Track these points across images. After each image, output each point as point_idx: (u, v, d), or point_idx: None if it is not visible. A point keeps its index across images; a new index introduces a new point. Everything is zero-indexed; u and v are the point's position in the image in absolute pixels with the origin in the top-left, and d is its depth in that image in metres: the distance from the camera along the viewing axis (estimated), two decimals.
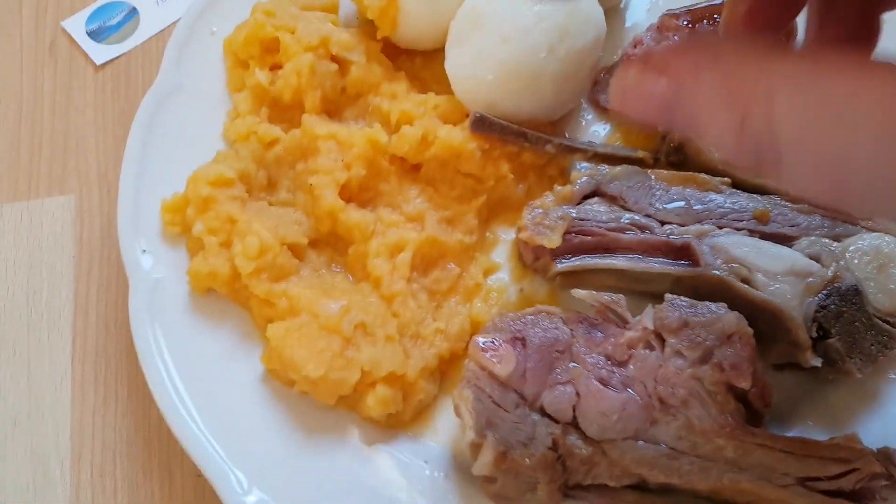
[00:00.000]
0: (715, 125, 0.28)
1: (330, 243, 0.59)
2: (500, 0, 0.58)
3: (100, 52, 0.74)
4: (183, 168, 0.60)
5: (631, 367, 0.53)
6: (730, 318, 0.52)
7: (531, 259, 0.59)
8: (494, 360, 0.52)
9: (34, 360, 0.63)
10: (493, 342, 0.53)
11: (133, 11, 0.75)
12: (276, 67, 0.62)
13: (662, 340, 0.52)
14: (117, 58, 0.74)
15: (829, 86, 0.25)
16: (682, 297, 0.53)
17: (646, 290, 0.58)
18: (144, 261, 0.57)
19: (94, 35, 0.74)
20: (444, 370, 0.57)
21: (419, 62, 0.67)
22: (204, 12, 0.65)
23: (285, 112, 0.62)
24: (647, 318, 0.53)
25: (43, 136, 0.71)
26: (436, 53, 0.66)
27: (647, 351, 0.52)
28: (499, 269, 0.61)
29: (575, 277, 0.58)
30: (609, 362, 0.53)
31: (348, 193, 0.59)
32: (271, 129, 0.59)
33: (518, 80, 0.58)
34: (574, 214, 0.57)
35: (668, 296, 0.53)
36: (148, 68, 0.73)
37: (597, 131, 0.64)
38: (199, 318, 0.57)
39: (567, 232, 0.56)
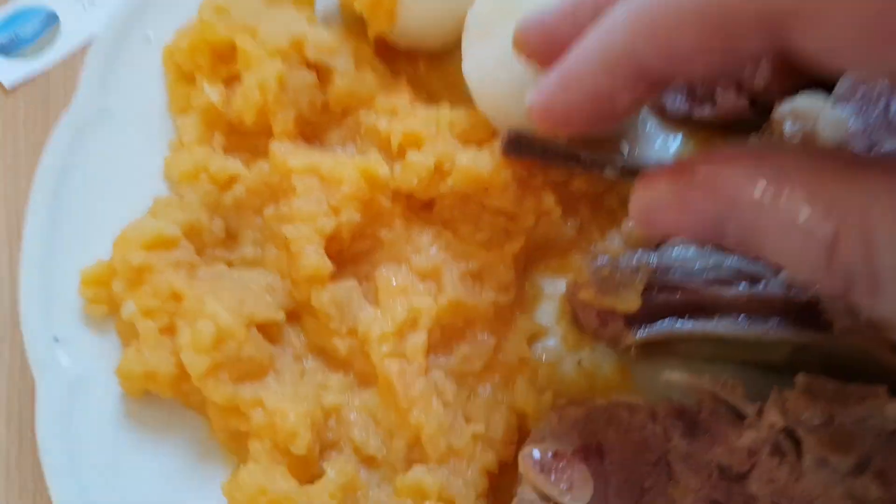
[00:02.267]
0: (790, 249, 0.26)
1: (315, 314, 0.43)
2: None
3: (10, 70, 0.58)
4: (109, 223, 0.44)
5: (754, 481, 0.37)
6: (893, 410, 0.36)
7: (595, 324, 0.43)
8: (561, 484, 0.36)
9: None
10: (554, 455, 0.37)
11: (52, 19, 0.59)
12: (233, 80, 0.46)
13: (798, 442, 0.37)
14: (32, 77, 0.58)
15: None
16: (823, 378, 0.37)
17: (753, 359, 0.42)
18: (58, 353, 0.41)
19: (4, 49, 0.58)
20: (494, 485, 0.41)
21: (423, 65, 0.52)
22: (136, 13, 0.49)
23: (246, 139, 0.46)
24: (774, 409, 0.37)
25: None
26: (446, 54, 0.51)
27: (777, 459, 0.37)
28: (545, 336, 0.46)
29: (655, 346, 0.42)
30: (723, 476, 0.37)
31: (337, 246, 0.43)
32: (228, 163, 0.43)
33: None
34: (654, 263, 0.41)
35: (801, 378, 0.37)
36: (72, 89, 0.55)
37: (664, 144, 0.49)
38: (135, 429, 0.41)
39: (647, 289, 0.41)
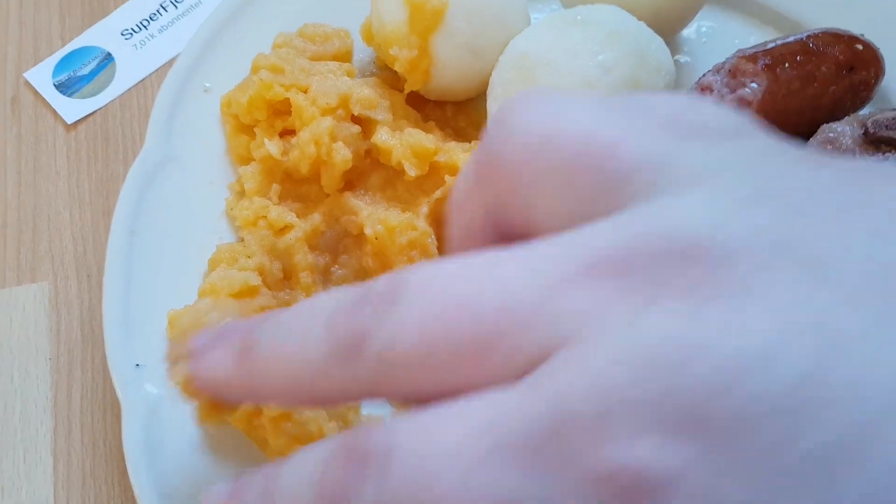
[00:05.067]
0: None
1: None
2: (556, 48, 0.49)
3: (71, 108, 0.63)
4: (178, 258, 0.51)
5: None
6: None
7: None
8: None
9: (9, 488, 0.53)
10: None
11: (108, 58, 0.65)
12: (286, 132, 0.52)
13: None
14: (91, 114, 0.63)
15: None
16: None
17: None
18: (140, 379, 0.47)
19: (63, 87, 0.64)
20: None
21: (450, 109, 0.58)
22: (195, 66, 0.55)
23: (299, 186, 0.52)
24: None
25: (7, 211, 0.60)
26: (470, 99, 0.57)
27: None
28: None
29: None
30: None
31: None
32: (284, 213, 0.50)
33: None
34: None
35: None
36: (128, 126, 0.62)
37: None
38: (212, 450, 0.47)
39: None
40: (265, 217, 0.49)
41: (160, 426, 0.46)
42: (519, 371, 0.21)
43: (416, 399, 0.24)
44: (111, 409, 0.54)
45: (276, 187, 0.51)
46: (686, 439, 0.19)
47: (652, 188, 0.22)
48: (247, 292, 0.46)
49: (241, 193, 0.52)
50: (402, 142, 0.51)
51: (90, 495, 0.52)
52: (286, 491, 0.24)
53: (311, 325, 0.25)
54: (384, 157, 0.52)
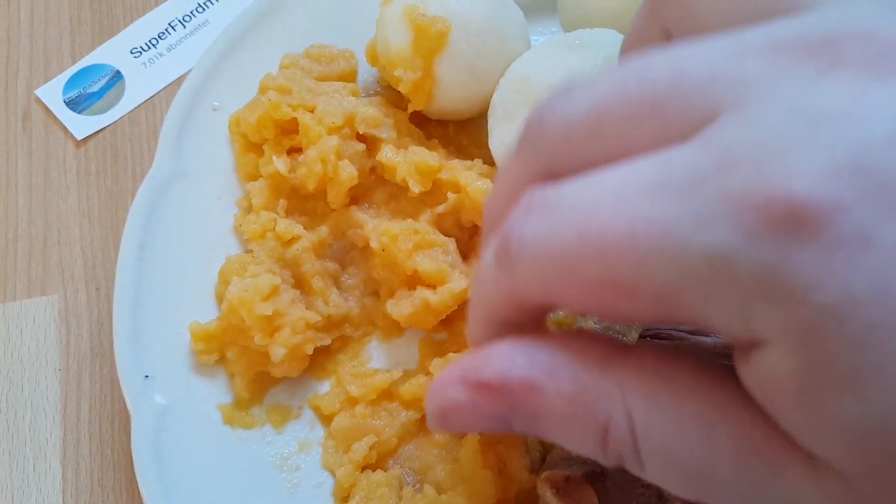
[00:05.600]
0: (569, 438, 0.26)
1: None
2: (555, 71, 0.50)
3: (81, 125, 0.65)
4: (187, 271, 0.52)
5: None
6: None
7: None
8: None
9: (19, 497, 0.54)
10: (566, 479, 0.45)
11: (117, 76, 0.66)
12: (293, 151, 0.54)
13: None
14: (101, 130, 0.65)
15: (687, 410, 0.24)
16: None
17: None
18: (149, 389, 0.49)
19: (73, 104, 0.65)
20: None
21: (453, 127, 0.60)
22: (204, 86, 0.57)
23: (305, 202, 0.54)
24: None
25: (19, 225, 0.62)
26: (471, 118, 0.58)
27: None
28: None
29: None
30: None
31: None
32: (291, 226, 0.51)
33: None
34: None
35: None
36: (137, 142, 0.64)
37: None
38: (219, 453, 0.49)
39: None
40: (273, 230, 0.51)
41: (168, 436, 0.48)
42: (687, 132, 0.22)
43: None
44: (119, 419, 0.55)
45: (283, 202, 0.52)
46: (850, 180, 0.19)
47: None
48: (273, 293, 0.48)
49: (249, 209, 0.54)
50: (406, 159, 0.52)
51: (98, 503, 0.53)
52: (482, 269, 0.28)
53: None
54: (389, 174, 0.53)
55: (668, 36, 0.29)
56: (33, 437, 0.55)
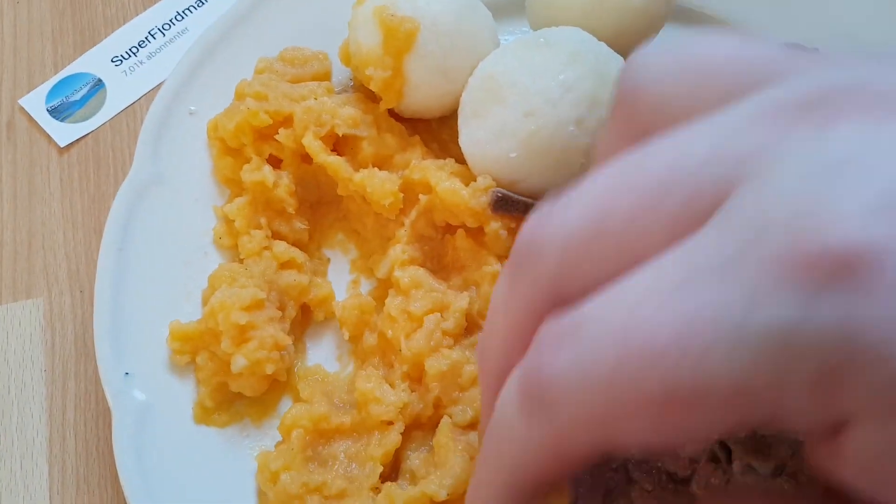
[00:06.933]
0: None
1: None
2: (520, 69, 0.52)
3: (64, 132, 0.66)
4: (165, 271, 0.53)
5: (695, 484, 0.46)
6: None
7: None
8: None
9: (7, 495, 0.55)
10: None
11: (99, 84, 0.68)
12: (274, 157, 0.55)
13: (729, 451, 0.46)
14: (83, 137, 0.66)
15: None
16: None
17: None
18: (129, 386, 0.50)
19: (56, 112, 0.67)
20: None
21: (435, 123, 0.61)
22: (181, 90, 0.58)
23: (288, 220, 0.56)
24: None
25: (4, 232, 0.63)
26: (449, 115, 0.59)
27: (712, 465, 0.46)
28: None
29: None
30: (670, 480, 0.46)
31: None
32: (290, 251, 0.53)
33: (546, 158, 0.51)
34: None
35: None
36: (119, 148, 0.65)
37: None
38: (198, 447, 0.50)
39: None
40: (269, 248, 0.53)
41: (148, 430, 0.49)
42: (703, 216, 0.20)
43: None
44: (103, 418, 0.56)
45: (263, 220, 0.54)
46: (888, 217, 0.18)
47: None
48: (255, 306, 0.49)
49: (227, 220, 0.55)
50: (371, 183, 0.54)
51: (84, 500, 0.54)
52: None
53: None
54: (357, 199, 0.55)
55: (642, 138, 0.27)
56: (20, 437, 0.57)
